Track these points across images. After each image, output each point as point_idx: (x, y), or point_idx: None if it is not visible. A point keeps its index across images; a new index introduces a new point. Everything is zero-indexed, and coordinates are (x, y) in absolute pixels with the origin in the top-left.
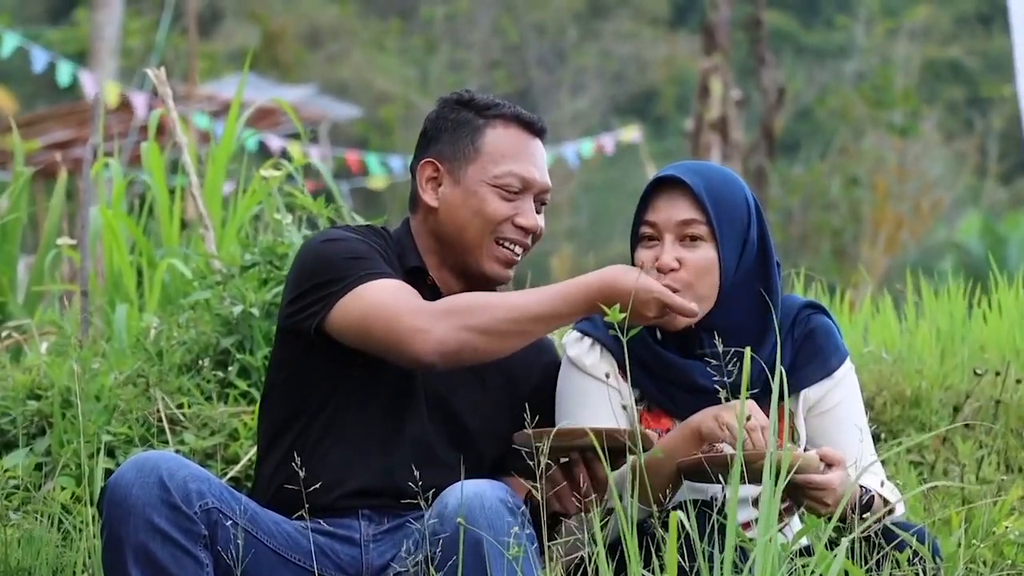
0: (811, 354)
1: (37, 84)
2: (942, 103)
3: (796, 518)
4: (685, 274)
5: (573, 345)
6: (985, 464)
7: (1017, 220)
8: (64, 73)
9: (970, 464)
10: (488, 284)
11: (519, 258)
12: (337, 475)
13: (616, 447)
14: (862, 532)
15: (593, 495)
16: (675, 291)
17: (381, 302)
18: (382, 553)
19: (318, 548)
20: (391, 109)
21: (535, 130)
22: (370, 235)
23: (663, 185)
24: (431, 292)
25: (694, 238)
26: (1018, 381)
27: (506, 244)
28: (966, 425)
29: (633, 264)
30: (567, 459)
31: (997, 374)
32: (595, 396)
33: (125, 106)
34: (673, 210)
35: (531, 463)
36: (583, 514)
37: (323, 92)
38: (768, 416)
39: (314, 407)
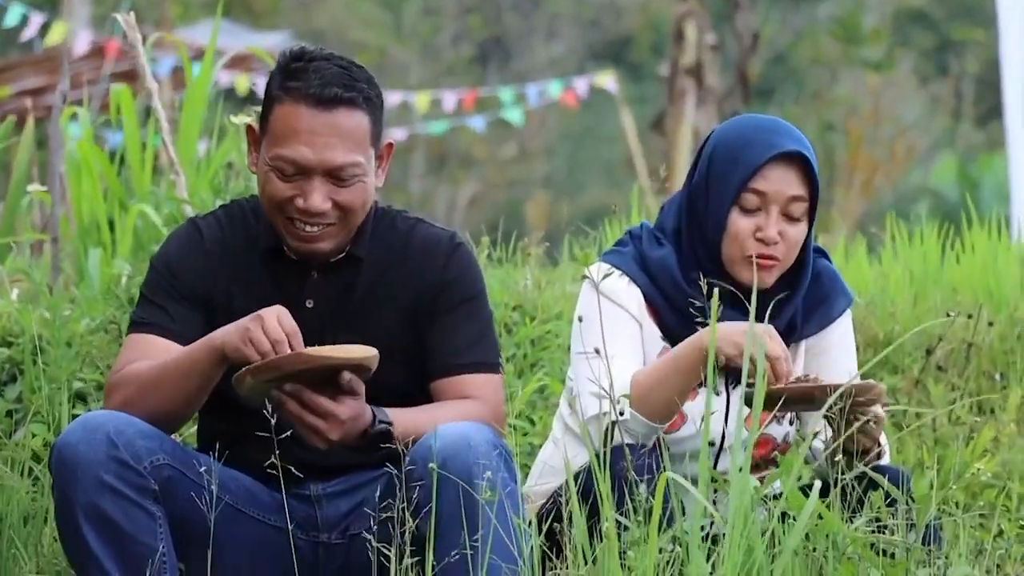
0: (817, 300)
1: (9, 33)
2: (915, 47)
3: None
4: (783, 248)
5: (600, 271)
6: (958, 406)
7: (991, 163)
8: (13, 14)
9: (943, 406)
10: (314, 258)
11: (319, 232)
12: (270, 453)
13: (315, 375)
14: (854, 475)
15: (325, 424)
16: (771, 260)
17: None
18: (337, 507)
19: (277, 503)
20: (365, 56)
21: (326, 103)
22: (210, 228)
23: (777, 155)
24: (296, 267)
25: (797, 215)
26: (990, 324)
27: (295, 223)
28: (939, 368)
29: (726, 227)
30: (275, 393)
31: (969, 317)
32: (623, 322)
33: (97, 53)
34: (785, 184)
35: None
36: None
37: (297, 39)
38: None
39: (223, 403)
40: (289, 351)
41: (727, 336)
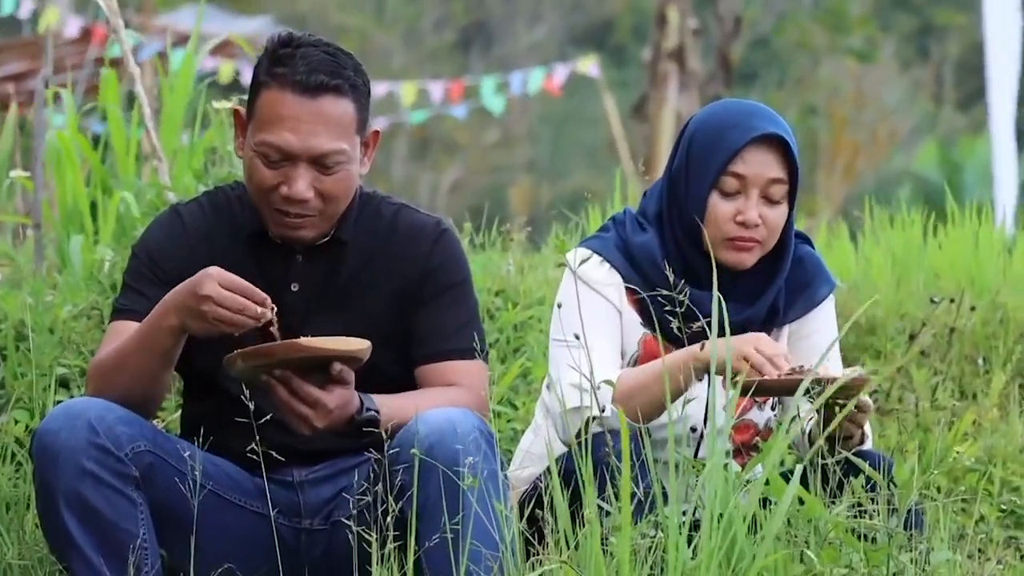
0: (801, 285)
1: None
2: (898, 31)
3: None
4: (764, 231)
5: (581, 258)
6: (940, 391)
7: (973, 146)
8: (8, 2)
9: (925, 391)
10: (297, 243)
11: (302, 221)
12: (253, 439)
13: (306, 363)
14: (836, 460)
15: (312, 412)
16: (751, 243)
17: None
18: (319, 494)
19: (259, 489)
20: (347, 41)
21: (311, 90)
22: (192, 215)
23: (756, 137)
24: (281, 251)
25: (776, 198)
26: (972, 308)
27: (279, 209)
28: (922, 353)
29: (706, 209)
30: (264, 378)
31: (952, 301)
32: (602, 311)
33: (82, 38)
34: (765, 167)
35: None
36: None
37: (279, 24)
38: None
39: (205, 385)
40: (256, 308)
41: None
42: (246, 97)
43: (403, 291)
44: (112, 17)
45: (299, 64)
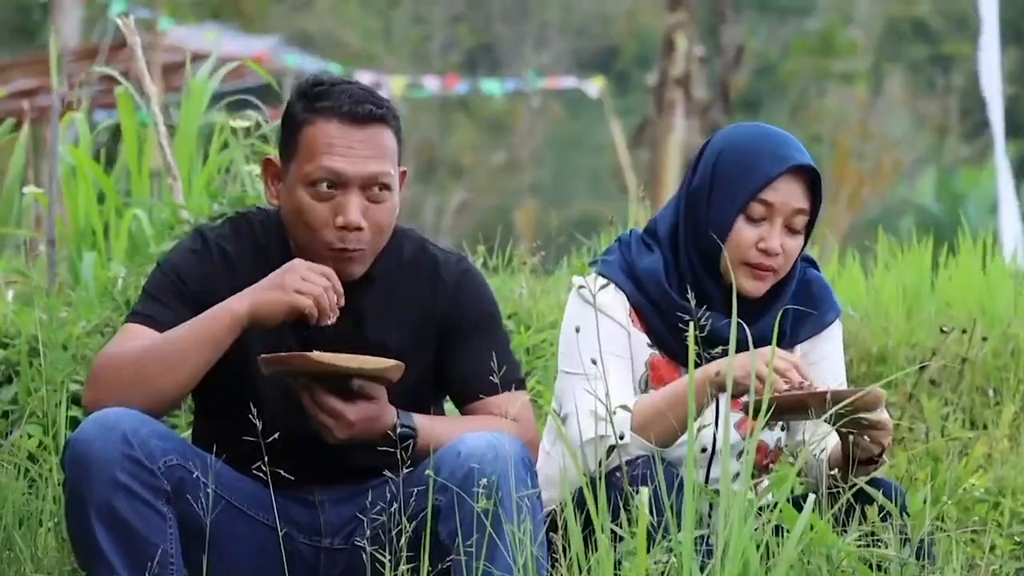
0: (810, 307)
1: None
2: (905, 62)
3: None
4: (782, 260)
5: (588, 282)
6: (951, 421)
7: (975, 177)
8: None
9: (936, 421)
10: (342, 278)
11: (355, 255)
12: (274, 458)
13: (325, 377)
14: (847, 487)
15: (333, 423)
16: (769, 271)
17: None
18: (340, 514)
19: (279, 506)
20: (355, 63)
21: (359, 120)
22: (218, 244)
23: (790, 168)
24: None
25: (798, 228)
26: (984, 339)
27: (335, 243)
28: (932, 382)
29: (730, 232)
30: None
31: (963, 332)
32: (611, 333)
33: (88, 54)
34: (793, 197)
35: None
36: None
37: (289, 43)
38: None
39: (219, 404)
40: (333, 296)
41: (735, 363)
42: (254, 124)
43: (426, 325)
44: (129, 35)
45: (342, 96)
